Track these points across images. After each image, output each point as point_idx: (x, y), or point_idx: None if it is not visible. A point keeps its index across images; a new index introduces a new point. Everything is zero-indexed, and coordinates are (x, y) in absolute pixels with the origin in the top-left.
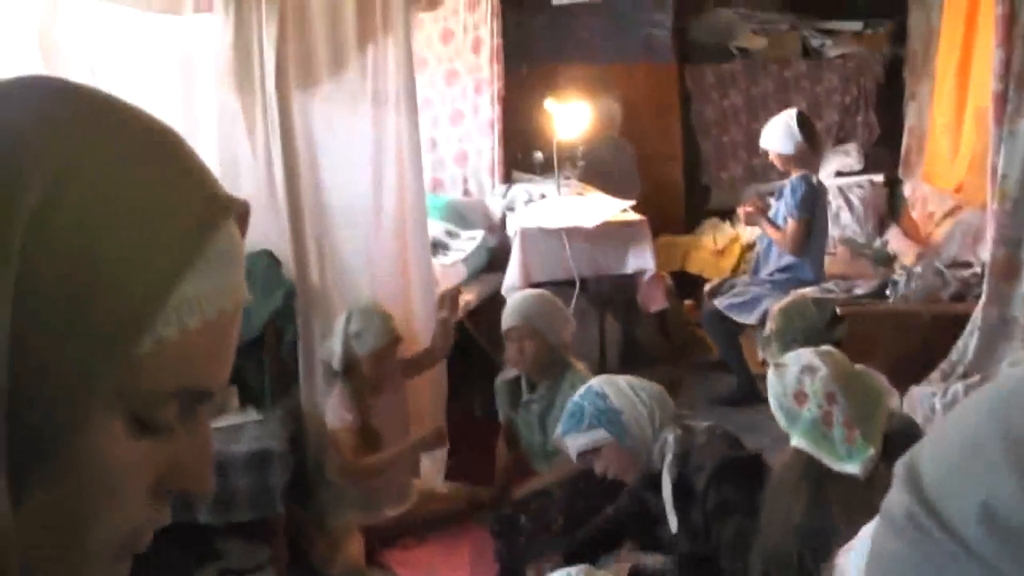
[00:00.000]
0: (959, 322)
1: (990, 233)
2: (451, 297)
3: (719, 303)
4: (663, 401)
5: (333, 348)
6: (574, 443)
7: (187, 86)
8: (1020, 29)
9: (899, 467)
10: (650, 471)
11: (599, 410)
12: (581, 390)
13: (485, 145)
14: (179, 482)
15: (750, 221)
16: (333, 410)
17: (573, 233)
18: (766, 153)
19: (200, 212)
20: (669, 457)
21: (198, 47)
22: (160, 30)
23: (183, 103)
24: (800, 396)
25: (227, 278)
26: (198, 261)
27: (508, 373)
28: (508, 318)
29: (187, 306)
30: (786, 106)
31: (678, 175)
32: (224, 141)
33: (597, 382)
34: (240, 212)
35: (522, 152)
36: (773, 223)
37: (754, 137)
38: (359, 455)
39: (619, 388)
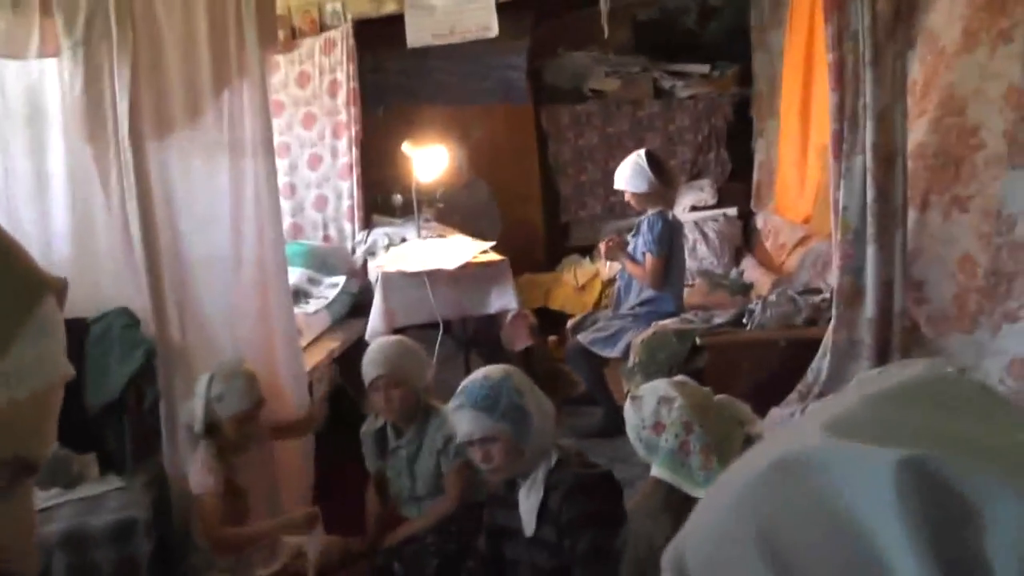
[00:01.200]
0: (812, 346)
1: (835, 261)
2: (328, 374)
3: (583, 338)
4: (553, 419)
5: (194, 411)
6: (480, 425)
7: (36, 134)
8: (849, 74)
9: (667, 555)
10: (512, 479)
11: (514, 406)
12: (496, 375)
13: (344, 189)
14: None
15: (610, 256)
16: (195, 475)
17: (435, 276)
18: (622, 193)
19: (19, 290)
20: (542, 472)
21: (46, 93)
22: (5, 75)
23: (32, 153)
24: (658, 426)
25: (49, 351)
26: (19, 337)
27: (374, 422)
28: (371, 368)
29: (12, 378)
30: (641, 144)
31: (538, 214)
32: (77, 193)
33: (516, 377)
34: (58, 288)
35: (381, 195)
36: (632, 258)
37: (611, 175)
38: (225, 519)
39: (534, 393)
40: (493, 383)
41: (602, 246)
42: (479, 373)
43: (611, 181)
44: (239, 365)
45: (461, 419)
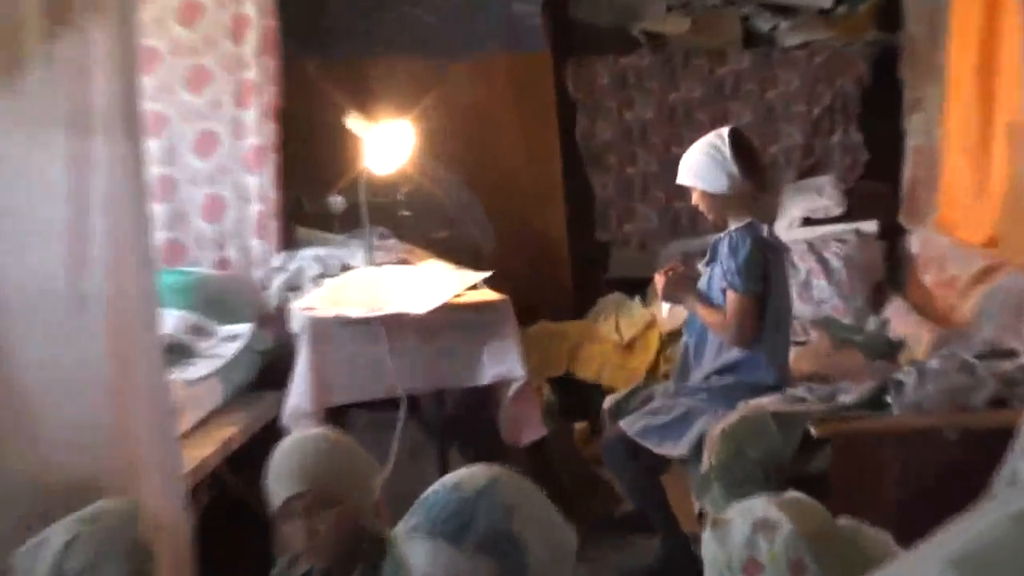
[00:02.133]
0: (1000, 439)
1: None
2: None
3: (628, 426)
4: (571, 556)
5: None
6: (441, 562)
7: None
8: None
9: None
10: None
11: (497, 533)
12: (473, 482)
13: (253, 187)
14: None
15: (671, 297)
16: None
17: (396, 326)
18: (689, 193)
19: None
20: None
21: None
22: None
23: None
24: (753, 566)
25: None
26: None
27: (287, 572)
28: (284, 481)
29: None
30: (723, 119)
31: (559, 228)
32: None
33: (506, 485)
34: None
35: (312, 197)
36: (706, 299)
37: (674, 168)
38: None
39: (536, 512)
40: (465, 495)
41: (658, 280)
42: (449, 479)
43: (674, 178)
44: (126, 525)
45: (415, 552)
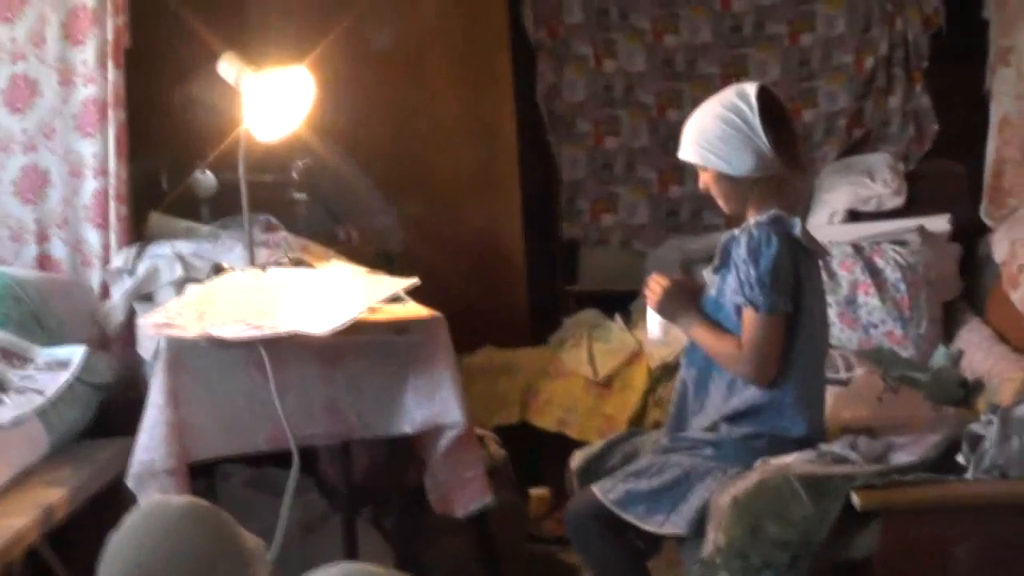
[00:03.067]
0: None
1: None
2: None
3: (604, 492)
4: None
5: None
6: None
7: None
8: None
9: None
10: None
11: None
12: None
13: (88, 156)
14: None
15: (665, 312)
16: None
17: (286, 351)
18: (693, 174)
19: None
20: None
21: None
22: None
23: None
24: None
25: None
26: None
27: None
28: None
29: None
30: (739, 73)
31: (511, 220)
32: None
33: None
34: None
35: (170, 173)
36: (712, 320)
37: (672, 140)
38: None
39: None
40: None
41: (648, 291)
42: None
43: (671, 153)
44: None
45: None
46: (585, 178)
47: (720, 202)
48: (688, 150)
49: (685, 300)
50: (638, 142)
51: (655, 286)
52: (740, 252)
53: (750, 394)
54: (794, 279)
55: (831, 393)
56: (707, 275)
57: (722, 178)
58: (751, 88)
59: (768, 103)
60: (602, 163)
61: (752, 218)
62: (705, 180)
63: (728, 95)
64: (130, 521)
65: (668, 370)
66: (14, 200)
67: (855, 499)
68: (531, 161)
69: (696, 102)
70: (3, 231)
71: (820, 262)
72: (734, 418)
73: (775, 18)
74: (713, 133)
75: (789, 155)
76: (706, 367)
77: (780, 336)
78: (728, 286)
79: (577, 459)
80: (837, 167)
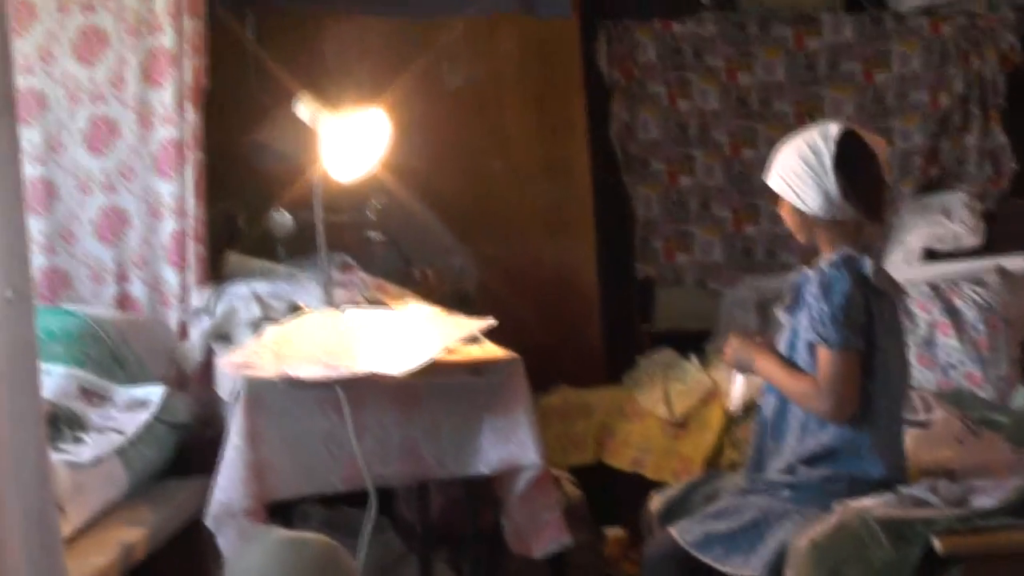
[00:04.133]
0: None
1: None
2: None
3: (683, 533)
4: None
5: None
6: None
7: None
8: None
9: None
10: None
11: None
12: None
13: (166, 196)
14: None
15: (739, 363)
16: None
17: (363, 392)
18: (768, 213)
19: None
20: None
21: None
22: None
23: None
24: None
25: None
26: None
27: None
28: None
29: None
30: (812, 112)
31: (586, 259)
32: None
33: None
34: None
35: (248, 213)
36: (786, 361)
37: (747, 180)
38: None
39: None
40: None
41: (729, 344)
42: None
43: (745, 192)
44: None
45: None
46: (659, 217)
47: (796, 234)
48: (772, 176)
49: (756, 346)
50: (712, 181)
51: (727, 347)
52: (812, 290)
53: (826, 435)
54: (866, 317)
55: (910, 435)
56: (780, 315)
57: (795, 211)
58: (835, 130)
59: (850, 148)
60: (676, 202)
61: (824, 257)
62: (785, 211)
63: (814, 132)
64: (260, 555)
65: (745, 410)
66: (94, 240)
67: (936, 544)
68: (605, 200)
69: (770, 141)
70: (83, 271)
71: (897, 303)
72: (811, 460)
73: (850, 56)
74: (791, 166)
75: (864, 203)
76: (782, 408)
77: (855, 373)
78: (801, 325)
79: (657, 502)
80: (913, 206)
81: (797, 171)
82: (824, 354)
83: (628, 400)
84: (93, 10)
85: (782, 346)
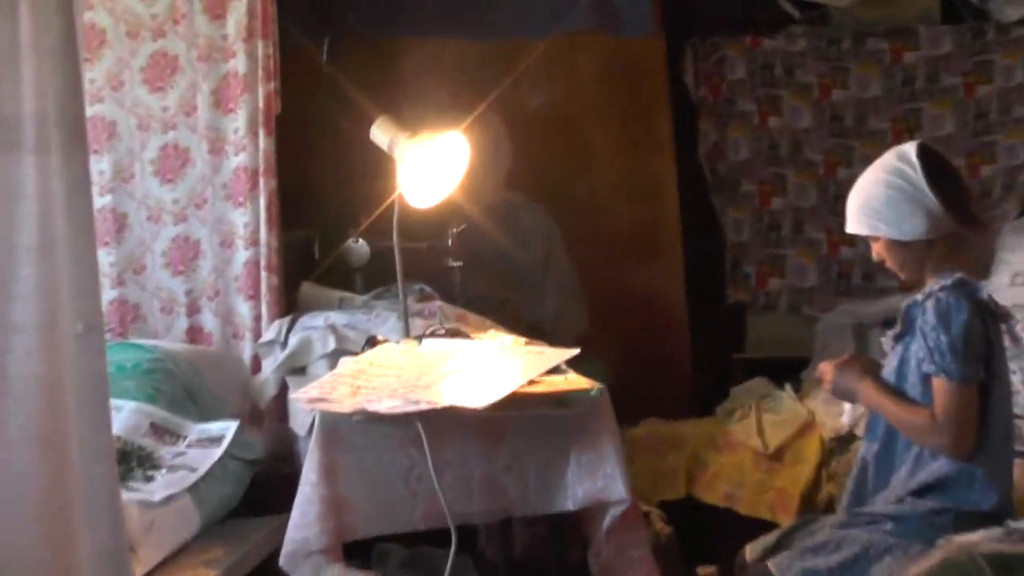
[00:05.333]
0: None
1: None
2: None
3: (781, 570)
4: None
5: None
6: None
7: None
8: None
9: None
10: None
11: None
12: None
13: (239, 225)
14: None
15: (841, 391)
16: None
17: (443, 426)
18: (865, 241)
19: None
20: None
21: None
22: None
23: None
24: None
25: None
26: None
27: None
28: None
29: None
30: (913, 130)
31: (674, 284)
32: None
33: None
34: None
35: (322, 242)
36: (895, 392)
37: (842, 199)
38: None
39: None
40: None
41: (824, 371)
42: None
43: (840, 213)
44: None
45: None
46: (750, 240)
47: (896, 271)
48: (855, 222)
49: (860, 373)
50: (806, 202)
51: (824, 375)
52: (928, 319)
53: (939, 466)
54: (984, 345)
55: (1017, 466)
56: (886, 343)
57: (895, 245)
58: (910, 147)
59: (931, 160)
60: (768, 224)
61: (935, 282)
62: (878, 250)
63: (888, 159)
64: None
65: (843, 442)
66: (164, 271)
67: None
68: (694, 223)
69: (866, 160)
70: (154, 303)
71: (1004, 327)
72: (920, 492)
73: (949, 70)
74: (878, 200)
75: (962, 211)
76: (890, 440)
77: (976, 406)
78: (912, 355)
79: (752, 552)
80: (1018, 225)
81: (888, 201)
82: (943, 386)
83: (720, 432)
84: (164, 36)
85: (889, 375)
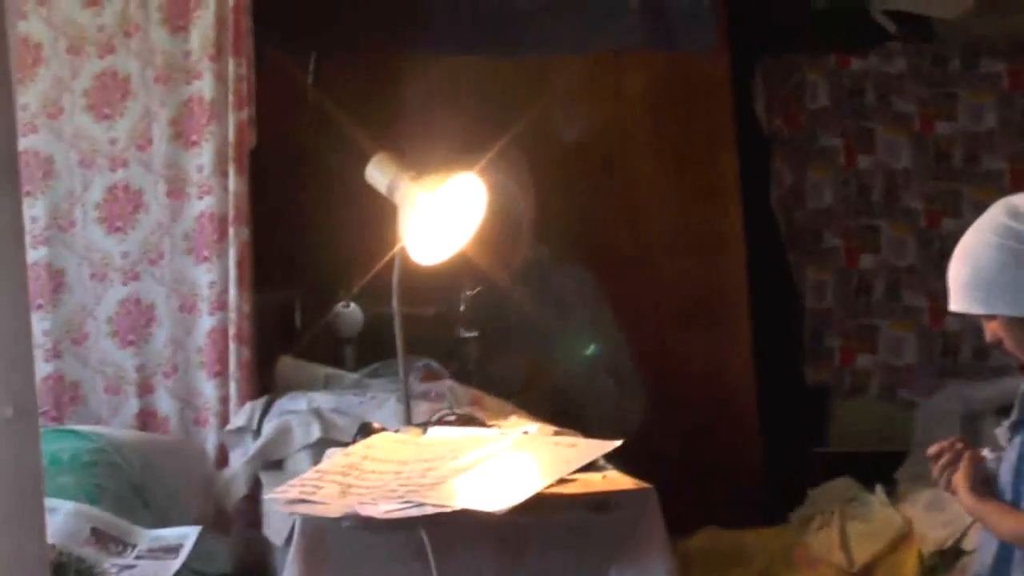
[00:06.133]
0: None
1: None
2: None
3: None
4: None
5: None
6: None
7: None
8: None
9: None
10: None
11: None
12: None
13: (203, 285)
14: None
15: (954, 488)
16: None
17: (453, 533)
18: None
19: None
20: None
21: None
22: None
23: None
24: None
25: None
26: None
27: None
28: None
29: None
30: None
31: (741, 361)
32: None
33: None
34: None
35: (306, 306)
36: (1002, 503)
37: (949, 256)
38: None
39: None
40: None
41: (935, 467)
42: None
43: (946, 270)
44: None
45: None
46: (835, 307)
47: (1017, 353)
48: (961, 298)
49: (968, 469)
50: (903, 260)
51: (939, 459)
52: None
53: None
54: None
55: None
56: (1000, 434)
57: (1015, 323)
58: (1021, 200)
59: None
60: (856, 287)
61: None
62: (993, 330)
63: (995, 217)
64: None
65: (947, 557)
66: (110, 343)
67: None
68: (764, 285)
69: (979, 208)
70: (97, 380)
71: None
72: None
73: None
74: (991, 270)
75: None
76: (1004, 556)
77: None
78: None
79: None
80: None
81: (1003, 270)
82: None
83: (796, 544)
84: (113, 52)
85: (1007, 473)
